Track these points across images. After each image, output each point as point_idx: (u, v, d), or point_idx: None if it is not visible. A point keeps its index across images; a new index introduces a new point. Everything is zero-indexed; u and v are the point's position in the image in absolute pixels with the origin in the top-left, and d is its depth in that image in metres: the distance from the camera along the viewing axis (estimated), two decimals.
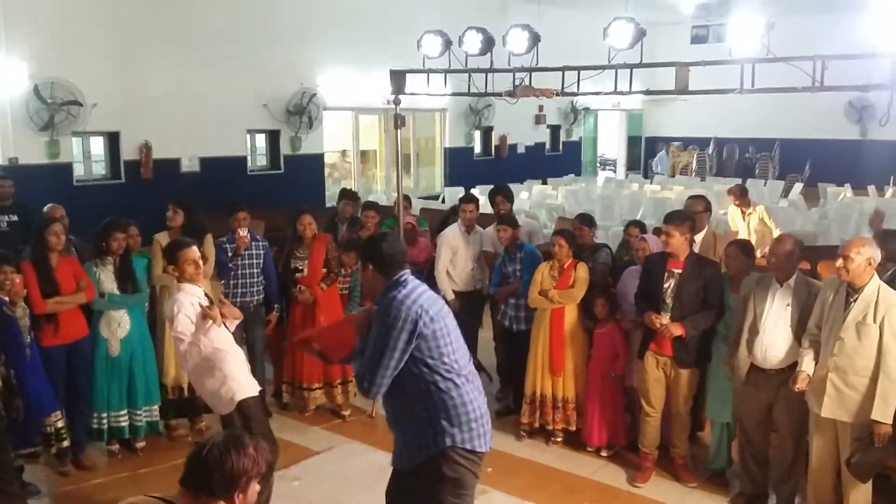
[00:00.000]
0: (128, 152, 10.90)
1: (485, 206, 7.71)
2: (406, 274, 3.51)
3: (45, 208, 6.75)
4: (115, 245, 5.52)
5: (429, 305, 3.41)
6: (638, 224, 6.37)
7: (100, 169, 11.07)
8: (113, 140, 10.88)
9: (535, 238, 7.04)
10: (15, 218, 7.46)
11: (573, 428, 5.79)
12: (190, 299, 4.46)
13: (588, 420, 5.70)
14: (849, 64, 5.19)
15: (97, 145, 11.00)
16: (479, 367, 7.41)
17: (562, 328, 5.69)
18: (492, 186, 7.65)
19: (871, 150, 17.78)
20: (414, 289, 3.45)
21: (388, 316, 3.36)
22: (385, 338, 3.34)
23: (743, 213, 8.63)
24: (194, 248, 4.59)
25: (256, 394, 4.56)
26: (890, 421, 4.09)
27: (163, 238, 5.83)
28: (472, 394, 3.47)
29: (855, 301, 4.16)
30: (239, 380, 4.45)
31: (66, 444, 5.24)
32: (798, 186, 16.12)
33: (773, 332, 4.59)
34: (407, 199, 7.93)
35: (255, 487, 2.54)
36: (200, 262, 4.62)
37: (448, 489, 3.45)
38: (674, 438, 5.32)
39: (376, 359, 3.36)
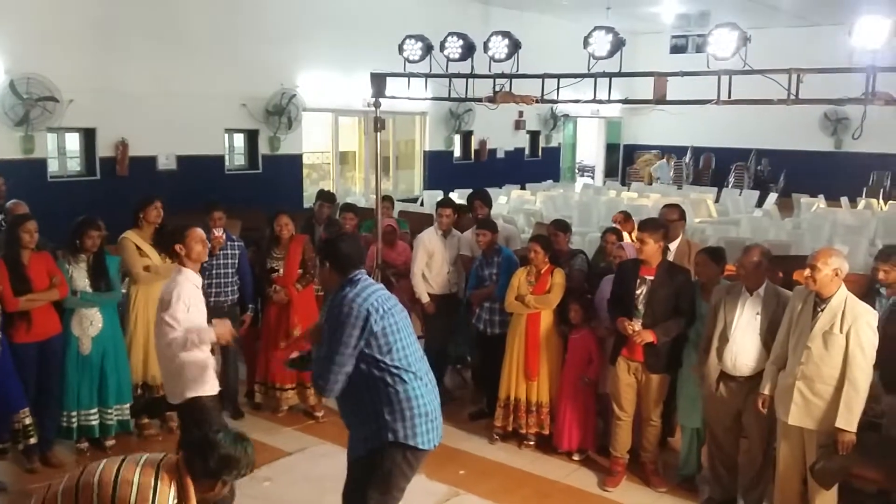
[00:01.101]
0: (104, 149, 10.80)
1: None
2: (360, 273, 3.59)
3: (8, 204, 6.67)
4: (89, 243, 5.47)
5: (379, 303, 3.48)
6: (615, 231, 6.42)
7: (75, 165, 10.96)
8: (89, 136, 10.79)
9: (513, 243, 7.07)
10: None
11: (546, 432, 5.83)
12: (190, 286, 4.34)
13: (560, 424, 5.74)
14: (824, 77, 5.27)
15: (73, 141, 10.90)
16: (455, 370, 7.47)
17: (537, 333, 5.72)
18: (470, 191, 7.67)
19: (844, 162, 18.04)
20: (364, 287, 3.52)
21: (340, 314, 3.43)
22: (338, 335, 3.42)
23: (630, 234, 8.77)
24: (198, 228, 4.50)
25: (214, 393, 4.42)
26: (854, 429, 4.16)
27: (132, 236, 5.78)
28: (419, 390, 3.51)
29: (822, 311, 4.23)
30: (195, 376, 4.30)
31: (33, 440, 5.20)
32: (772, 197, 16.32)
33: (742, 340, 4.66)
34: (389, 200, 7.92)
35: (229, 486, 2.74)
36: (207, 242, 4.54)
37: (377, 483, 3.53)
38: (644, 443, 5.37)
39: (330, 357, 3.43)
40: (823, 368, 4.22)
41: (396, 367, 3.47)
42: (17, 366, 5.11)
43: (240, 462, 2.87)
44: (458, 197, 11.55)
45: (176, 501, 2.76)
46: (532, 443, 5.91)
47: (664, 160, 21.07)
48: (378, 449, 3.50)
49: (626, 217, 8.81)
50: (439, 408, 3.63)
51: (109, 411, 5.60)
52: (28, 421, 5.14)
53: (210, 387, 4.39)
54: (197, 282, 4.43)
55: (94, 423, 5.57)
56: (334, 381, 3.44)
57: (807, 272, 4.22)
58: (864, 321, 4.17)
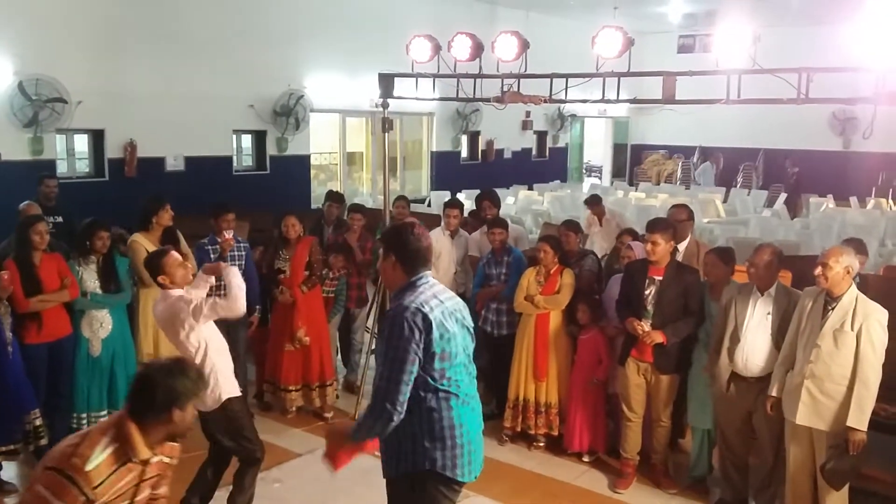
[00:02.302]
0: (112, 150, 10.82)
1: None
2: (426, 276, 3.25)
3: (21, 205, 6.71)
4: (98, 244, 5.49)
5: (440, 315, 3.12)
6: (630, 232, 6.36)
7: (84, 167, 10.99)
8: (97, 138, 10.81)
9: (521, 243, 7.06)
10: (60, 219, 7.39)
11: (556, 433, 5.82)
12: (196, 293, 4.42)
13: (570, 425, 5.72)
14: (834, 76, 5.25)
15: (81, 143, 10.92)
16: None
17: (546, 333, 5.71)
18: (478, 191, 7.66)
19: (853, 162, 17.93)
20: (427, 296, 3.16)
21: (395, 326, 3.06)
22: (394, 350, 3.05)
23: (600, 220, 8.90)
24: (172, 251, 4.47)
25: (239, 394, 4.54)
26: (865, 428, 4.14)
27: (141, 239, 5.78)
28: (465, 417, 3.19)
29: (833, 309, 4.22)
30: (228, 378, 4.43)
31: (44, 441, 5.20)
32: (782, 197, 16.25)
33: (753, 340, 4.64)
34: (405, 199, 7.91)
35: (191, 409, 2.72)
36: (185, 261, 4.55)
37: None
38: (655, 445, 5.35)
39: (392, 376, 3.04)
40: (833, 367, 4.20)
41: (444, 388, 3.13)
42: (27, 367, 5.12)
43: (184, 386, 2.80)
44: (466, 197, 11.55)
45: (110, 450, 2.73)
46: (542, 444, 5.90)
47: (707, 163, 20.20)
48: (413, 475, 3.18)
49: (594, 200, 9.02)
50: (481, 435, 3.33)
51: None
52: (39, 422, 5.15)
53: (236, 388, 4.48)
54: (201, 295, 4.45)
55: None
56: (402, 401, 3.05)
57: (818, 270, 4.21)
58: (875, 319, 4.16)
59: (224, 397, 4.38)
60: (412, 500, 3.24)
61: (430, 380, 3.10)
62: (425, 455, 3.14)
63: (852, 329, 4.15)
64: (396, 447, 3.20)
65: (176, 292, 4.34)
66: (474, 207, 7.53)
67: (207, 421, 4.39)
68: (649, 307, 5.11)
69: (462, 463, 3.18)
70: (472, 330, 3.37)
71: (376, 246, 6.94)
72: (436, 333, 3.08)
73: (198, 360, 4.25)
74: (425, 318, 3.07)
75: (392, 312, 3.15)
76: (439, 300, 3.21)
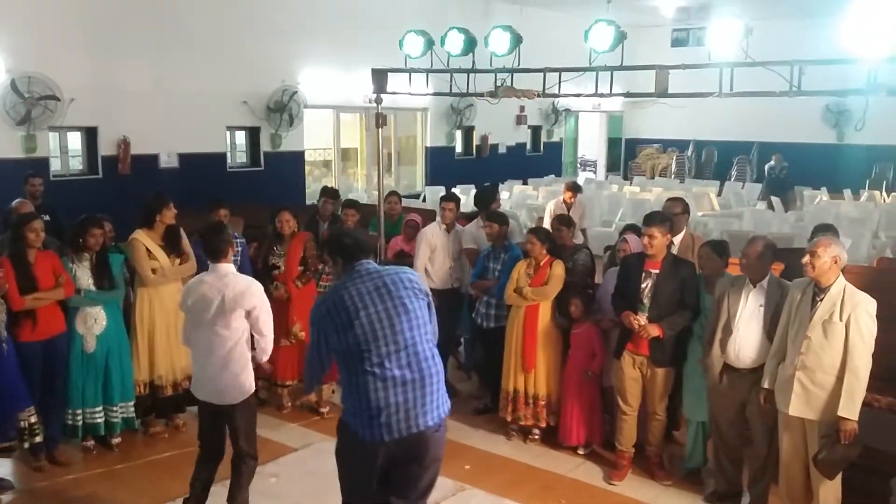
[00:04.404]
0: (105, 147, 10.79)
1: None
2: (361, 265, 3.64)
3: (14, 203, 6.70)
4: (91, 241, 5.48)
5: (355, 296, 3.51)
6: (633, 228, 6.30)
7: (77, 164, 10.96)
8: (90, 135, 10.78)
9: (513, 238, 7.06)
10: (47, 217, 7.36)
11: (543, 424, 5.84)
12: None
13: (566, 418, 5.74)
14: (826, 69, 5.27)
15: (74, 140, 10.89)
16: (459, 365, 7.49)
17: (535, 326, 5.73)
18: (472, 185, 7.67)
19: (847, 154, 17.97)
20: (343, 285, 3.58)
21: (314, 309, 3.63)
22: (313, 334, 3.63)
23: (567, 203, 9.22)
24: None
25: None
26: (856, 417, 4.17)
27: (142, 237, 5.76)
28: (380, 391, 3.48)
29: (822, 300, 4.25)
30: (250, 369, 4.47)
31: (38, 439, 5.22)
32: (757, 188, 16.22)
33: (746, 332, 4.66)
34: (396, 195, 7.92)
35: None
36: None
37: (337, 456, 3.71)
38: (650, 437, 5.37)
39: (310, 353, 3.69)
40: (823, 358, 4.23)
41: (366, 361, 3.50)
42: (22, 364, 5.12)
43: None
44: (461, 192, 11.54)
45: None
46: (537, 437, 5.92)
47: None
48: (339, 422, 3.70)
49: (570, 186, 9.26)
50: (403, 400, 3.52)
51: (114, 409, 5.61)
52: (33, 419, 5.16)
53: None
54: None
55: (99, 420, 5.58)
56: (312, 374, 3.78)
57: (806, 259, 4.24)
58: (864, 309, 4.18)
59: (252, 389, 4.44)
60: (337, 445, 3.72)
61: (351, 353, 3.53)
62: (345, 410, 3.66)
63: (841, 319, 4.18)
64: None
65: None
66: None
67: (234, 416, 4.38)
68: (645, 300, 5.12)
69: (375, 425, 3.49)
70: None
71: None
72: (343, 309, 3.52)
73: (235, 347, 4.31)
74: (336, 294, 3.58)
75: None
76: (367, 276, 3.62)
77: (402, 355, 3.53)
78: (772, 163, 16.94)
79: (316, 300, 3.76)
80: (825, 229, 5.19)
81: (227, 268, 4.45)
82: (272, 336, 4.51)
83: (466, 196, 12.54)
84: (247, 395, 4.41)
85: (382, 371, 3.49)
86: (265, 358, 4.57)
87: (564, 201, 9.22)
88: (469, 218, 7.42)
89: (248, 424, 4.47)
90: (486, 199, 7.05)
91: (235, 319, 4.32)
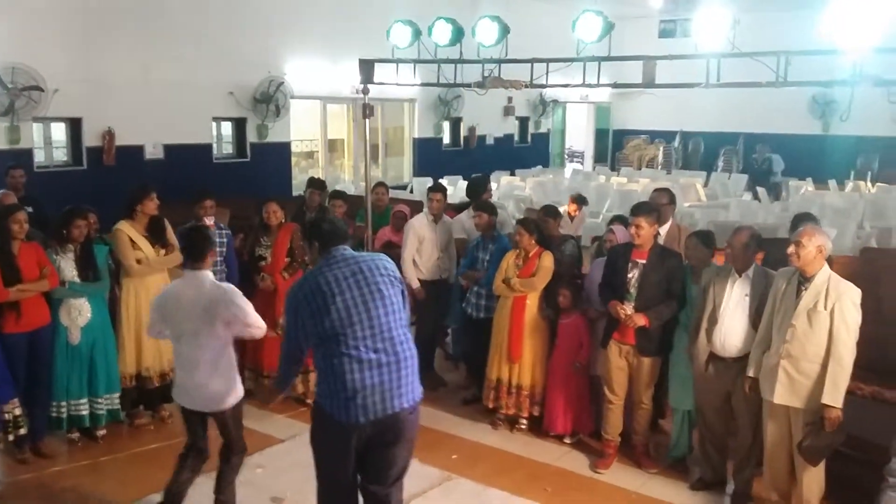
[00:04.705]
0: (90, 139, 10.71)
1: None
2: (337, 250, 3.68)
3: None
4: (76, 232, 5.43)
5: (332, 282, 3.55)
6: (621, 219, 6.31)
7: (61, 155, 10.87)
8: (75, 126, 10.69)
9: (503, 229, 7.08)
10: (30, 209, 7.30)
11: (525, 414, 5.86)
12: None
13: (552, 408, 5.76)
14: (812, 60, 5.28)
15: (59, 131, 10.81)
16: (447, 356, 7.49)
17: (522, 316, 5.74)
18: (459, 176, 7.66)
19: (832, 145, 18.05)
20: (319, 270, 3.63)
21: (290, 295, 3.67)
22: (289, 319, 3.67)
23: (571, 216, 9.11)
24: None
25: None
26: (840, 405, 4.21)
27: (126, 227, 5.72)
28: (356, 373, 3.54)
29: (806, 289, 4.28)
30: (235, 373, 4.44)
31: (23, 431, 5.19)
32: (742, 179, 16.27)
33: (731, 321, 4.69)
34: (384, 185, 7.90)
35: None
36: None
37: (312, 441, 3.75)
38: (636, 426, 5.40)
39: (286, 345, 3.79)
40: (808, 346, 4.26)
41: (339, 346, 3.54)
42: (6, 356, 5.09)
43: None
44: (448, 183, 11.54)
45: None
46: (524, 426, 5.94)
47: (778, 156, 17.22)
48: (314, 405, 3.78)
49: (576, 199, 9.15)
50: (377, 383, 3.56)
51: (99, 401, 5.58)
52: (18, 412, 5.14)
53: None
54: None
55: (84, 413, 5.55)
56: (284, 369, 3.92)
57: (791, 248, 4.27)
58: (848, 298, 4.22)
59: (241, 393, 4.40)
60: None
61: (323, 338, 3.59)
62: (319, 393, 3.75)
63: (825, 308, 4.22)
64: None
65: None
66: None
67: (225, 419, 4.34)
68: (632, 290, 5.15)
69: (346, 407, 3.56)
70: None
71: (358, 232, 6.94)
72: (317, 296, 3.57)
73: (221, 354, 4.26)
74: (307, 283, 3.64)
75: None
76: (341, 264, 3.66)
77: (377, 339, 3.59)
78: (755, 154, 16.97)
79: (292, 285, 3.76)
80: (805, 218, 5.22)
81: (206, 276, 4.30)
82: (263, 323, 4.39)
83: (454, 187, 12.57)
84: (238, 400, 4.37)
85: (358, 353, 3.55)
86: (261, 333, 4.46)
87: (569, 214, 8.94)
88: (457, 209, 7.44)
89: (238, 421, 4.45)
90: (478, 190, 7.05)
91: (219, 327, 4.23)
